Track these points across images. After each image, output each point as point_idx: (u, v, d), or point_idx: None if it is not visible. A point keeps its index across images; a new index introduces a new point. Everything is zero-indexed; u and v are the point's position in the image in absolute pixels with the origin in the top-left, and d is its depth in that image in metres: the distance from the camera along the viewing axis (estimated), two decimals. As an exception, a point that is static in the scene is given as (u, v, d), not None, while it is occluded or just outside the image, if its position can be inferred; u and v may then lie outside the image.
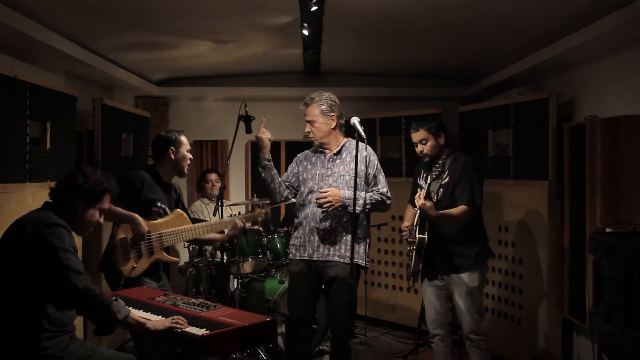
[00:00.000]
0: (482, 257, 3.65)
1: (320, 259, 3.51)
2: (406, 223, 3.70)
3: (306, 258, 3.56)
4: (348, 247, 3.46)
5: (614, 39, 3.78)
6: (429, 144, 3.62)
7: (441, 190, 3.55)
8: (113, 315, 2.45)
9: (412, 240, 3.59)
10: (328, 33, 4.41)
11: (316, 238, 3.53)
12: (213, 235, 3.80)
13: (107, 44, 4.77)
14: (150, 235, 3.43)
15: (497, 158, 4.80)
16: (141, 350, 3.32)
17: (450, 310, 3.74)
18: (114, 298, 2.53)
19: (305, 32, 4.26)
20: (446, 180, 3.56)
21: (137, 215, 3.36)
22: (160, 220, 3.52)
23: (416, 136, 3.65)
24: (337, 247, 3.50)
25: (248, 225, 3.92)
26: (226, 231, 3.80)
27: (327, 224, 3.50)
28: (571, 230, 4.12)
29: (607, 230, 3.33)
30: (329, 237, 3.50)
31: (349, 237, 3.47)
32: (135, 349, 3.29)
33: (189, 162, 3.72)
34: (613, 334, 2.80)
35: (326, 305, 3.60)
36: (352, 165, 3.52)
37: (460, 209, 3.50)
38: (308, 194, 3.59)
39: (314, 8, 3.62)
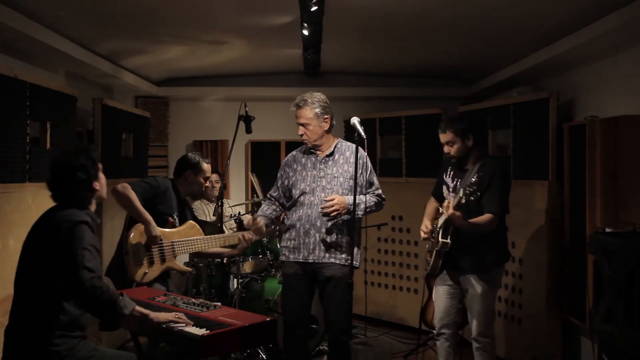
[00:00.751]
0: (500, 260, 3.62)
1: (316, 261, 3.48)
2: (427, 222, 3.66)
3: (301, 260, 3.51)
4: (344, 249, 3.45)
5: (614, 39, 3.78)
6: (455, 146, 3.53)
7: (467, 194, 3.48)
8: (120, 311, 2.46)
9: (433, 241, 3.55)
10: (328, 33, 4.41)
11: (311, 240, 3.48)
12: (221, 250, 3.81)
13: (107, 44, 4.77)
14: (162, 243, 3.46)
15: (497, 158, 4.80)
16: (141, 349, 3.31)
17: (459, 312, 3.73)
18: (119, 293, 2.54)
19: (305, 32, 4.27)
20: (473, 186, 3.43)
21: (152, 219, 3.40)
22: (172, 229, 3.57)
23: (443, 137, 3.55)
24: (333, 249, 3.47)
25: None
26: (242, 242, 3.77)
27: (324, 226, 3.46)
28: (571, 230, 4.12)
29: (607, 230, 3.32)
30: (325, 239, 3.47)
31: (344, 239, 3.45)
32: (135, 348, 3.28)
33: (202, 188, 3.81)
34: (613, 334, 2.80)
35: (322, 306, 3.58)
36: (346, 167, 3.51)
37: (487, 217, 3.42)
38: (300, 195, 3.54)
39: (314, 8, 3.63)
